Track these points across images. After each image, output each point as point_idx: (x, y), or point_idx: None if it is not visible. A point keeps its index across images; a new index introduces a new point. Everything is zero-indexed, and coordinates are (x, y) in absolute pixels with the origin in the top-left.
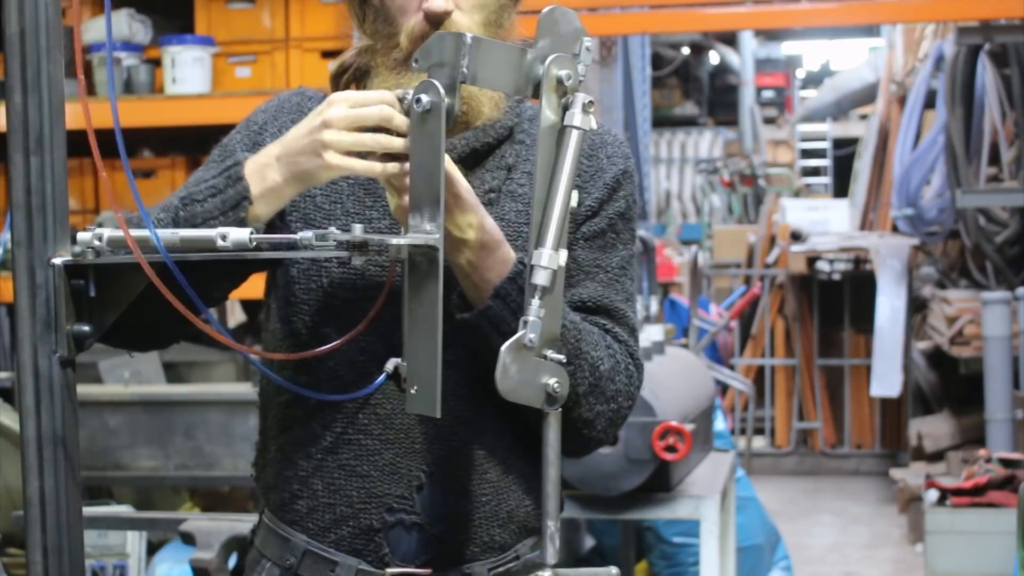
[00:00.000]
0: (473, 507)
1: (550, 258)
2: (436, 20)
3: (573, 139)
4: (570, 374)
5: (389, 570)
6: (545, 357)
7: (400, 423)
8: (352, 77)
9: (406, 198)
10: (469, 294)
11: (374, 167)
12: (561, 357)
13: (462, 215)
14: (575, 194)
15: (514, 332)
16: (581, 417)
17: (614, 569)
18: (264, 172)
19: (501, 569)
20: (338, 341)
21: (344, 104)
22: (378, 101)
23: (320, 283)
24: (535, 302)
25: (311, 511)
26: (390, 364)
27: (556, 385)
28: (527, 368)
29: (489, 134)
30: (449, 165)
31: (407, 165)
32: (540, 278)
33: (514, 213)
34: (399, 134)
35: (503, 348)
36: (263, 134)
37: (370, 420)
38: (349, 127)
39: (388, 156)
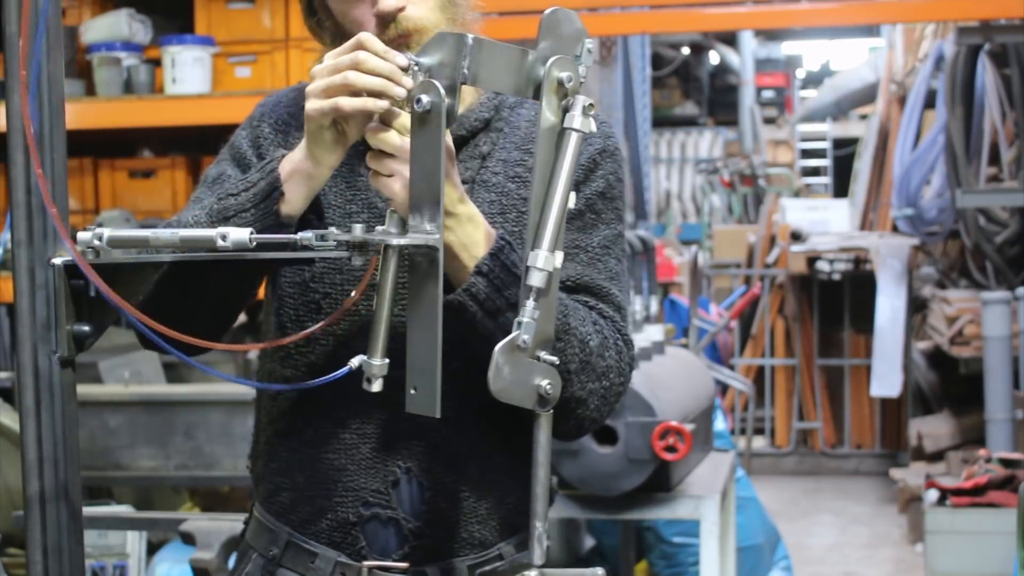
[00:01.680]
0: (451, 503)
1: (546, 260)
2: (389, 19)
3: (572, 141)
4: (559, 351)
5: (366, 563)
6: (538, 359)
7: (378, 418)
8: None
9: (386, 135)
10: (455, 276)
11: (339, 103)
12: (554, 359)
13: (453, 176)
14: (572, 195)
15: (500, 311)
16: (574, 396)
17: (600, 570)
18: (292, 156)
19: (487, 568)
20: (308, 330)
21: (328, 58)
22: (352, 46)
23: (303, 276)
24: (530, 303)
25: (293, 503)
26: (355, 360)
27: (548, 387)
28: (520, 369)
29: (464, 126)
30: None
31: (369, 102)
32: (535, 279)
33: (487, 204)
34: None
35: (496, 348)
36: (261, 125)
37: (348, 415)
38: (328, 75)
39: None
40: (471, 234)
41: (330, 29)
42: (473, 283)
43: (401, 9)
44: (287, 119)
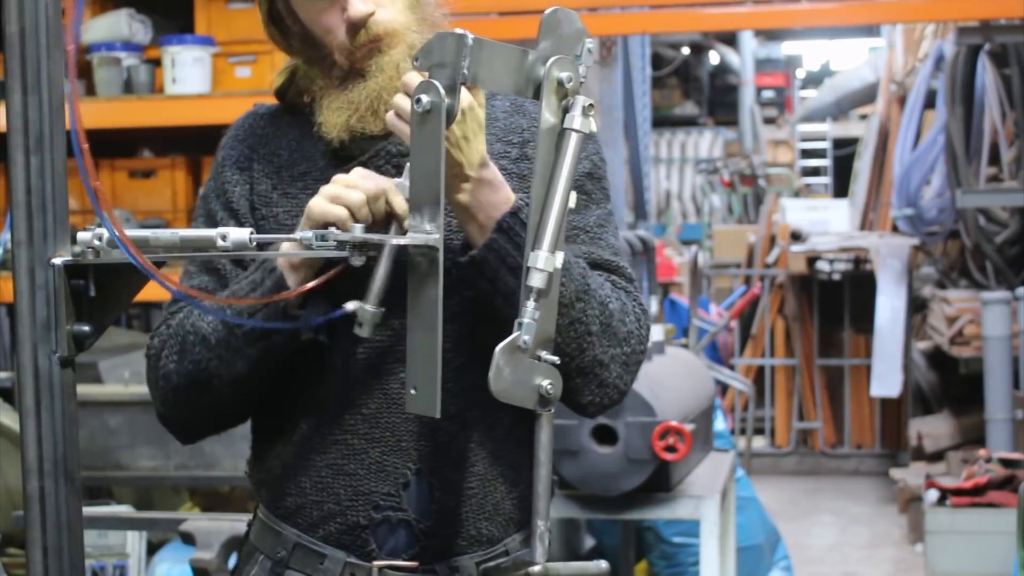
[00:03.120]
0: (460, 501)
1: (546, 260)
2: (359, 25)
3: (572, 142)
4: (580, 311)
5: (376, 563)
6: (539, 359)
7: (386, 422)
8: (297, 92)
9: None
10: (473, 236)
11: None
12: (555, 359)
13: (478, 140)
14: (573, 195)
15: (519, 267)
16: (596, 359)
17: (603, 563)
18: (290, 263)
19: (491, 564)
20: (311, 283)
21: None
22: (346, 184)
23: None
24: (530, 304)
25: (300, 507)
26: (350, 304)
27: (549, 387)
28: (520, 369)
29: None
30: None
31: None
32: (536, 280)
33: None
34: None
35: (497, 349)
36: (223, 171)
37: (356, 420)
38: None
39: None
40: (489, 197)
41: (298, 35)
42: (494, 239)
43: (371, 14)
44: (248, 153)
